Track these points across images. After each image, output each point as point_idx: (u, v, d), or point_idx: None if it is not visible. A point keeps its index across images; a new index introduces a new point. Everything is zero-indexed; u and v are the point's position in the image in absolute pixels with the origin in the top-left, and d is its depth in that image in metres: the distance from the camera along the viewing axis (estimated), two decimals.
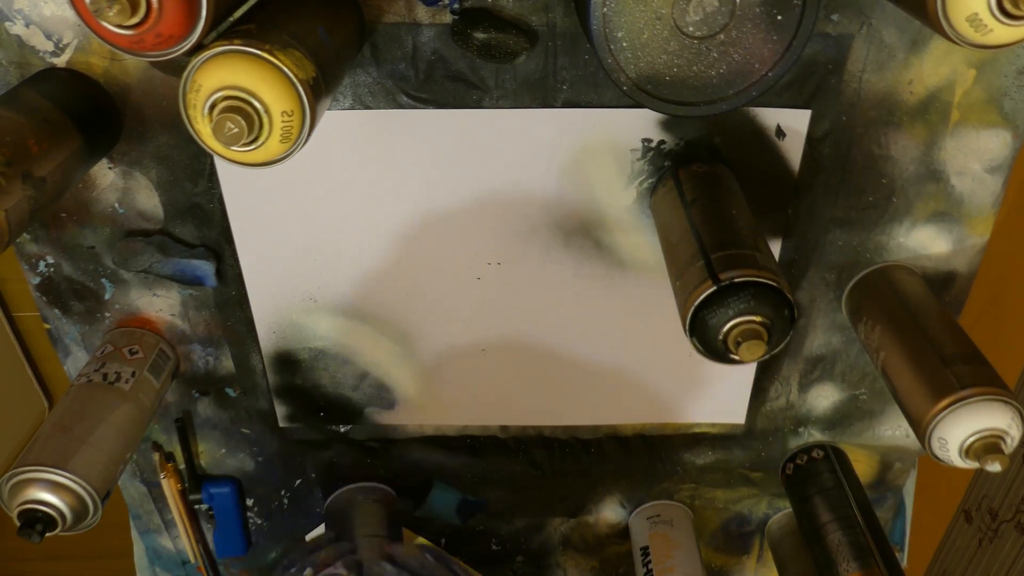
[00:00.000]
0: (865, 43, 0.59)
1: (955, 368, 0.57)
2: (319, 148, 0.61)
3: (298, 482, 0.82)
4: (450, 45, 0.58)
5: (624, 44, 0.48)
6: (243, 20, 0.46)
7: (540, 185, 0.65)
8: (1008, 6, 0.41)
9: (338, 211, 0.66)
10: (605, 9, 0.47)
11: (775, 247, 0.68)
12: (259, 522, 0.84)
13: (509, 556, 0.88)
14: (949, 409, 0.55)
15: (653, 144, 0.63)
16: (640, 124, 0.62)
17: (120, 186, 0.64)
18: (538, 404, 0.78)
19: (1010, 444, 0.56)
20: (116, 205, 0.65)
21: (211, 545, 0.85)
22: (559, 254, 0.68)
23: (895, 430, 0.79)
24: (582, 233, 0.67)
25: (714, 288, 0.52)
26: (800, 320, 0.71)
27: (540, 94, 0.61)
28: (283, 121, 0.44)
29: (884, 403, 0.77)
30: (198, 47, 0.42)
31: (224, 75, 0.43)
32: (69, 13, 0.56)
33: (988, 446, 0.55)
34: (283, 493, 0.82)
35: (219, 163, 0.63)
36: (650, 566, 0.78)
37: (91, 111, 0.58)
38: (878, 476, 0.82)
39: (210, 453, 0.79)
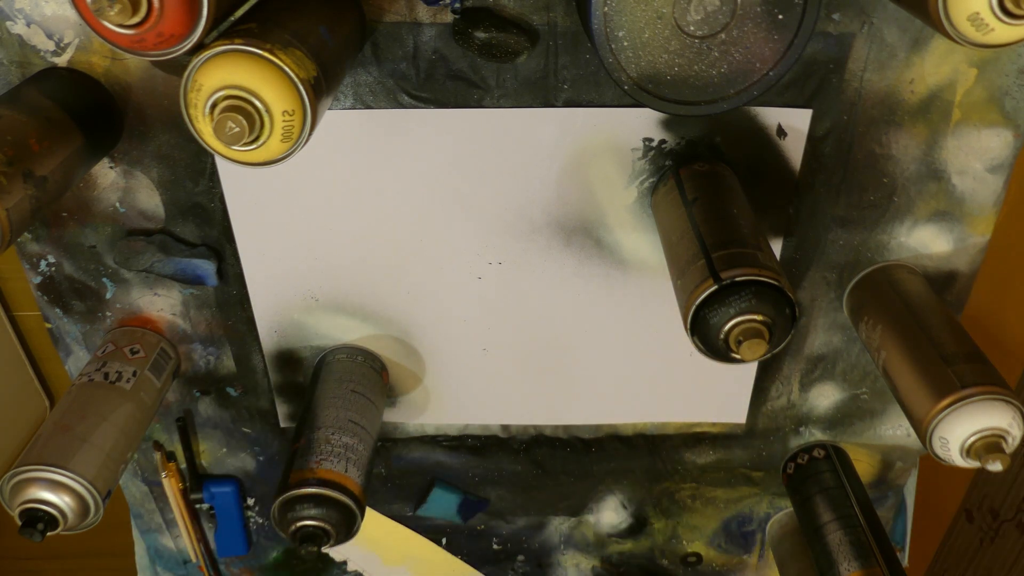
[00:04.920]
0: (866, 42, 0.59)
1: (956, 367, 0.57)
2: (320, 147, 0.61)
3: None
4: (451, 44, 0.58)
5: (625, 43, 0.48)
6: (244, 19, 0.46)
7: (541, 184, 0.65)
8: (1009, 5, 0.41)
9: (339, 210, 0.66)
10: (606, 8, 0.47)
11: (776, 246, 0.68)
12: (260, 521, 0.84)
13: (510, 555, 0.88)
14: (950, 408, 0.55)
15: (654, 143, 0.63)
16: (641, 123, 0.62)
17: (121, 185, 0.64)
18: (539, 403, 0.78)
19: (1011, 443, 0.56)
20: (117, 204, 0.65)
21: (212, 544, 0.85)
22: (560, 253, 0.68)
23: (896, 429, 0.79)
24: (583, 232, 0.67)
25: (715, 287, 0.52)
26: (801, 319, 0.71)
27: (541, 93, 0.61)
28: (284, 120, 0.44)
29: (885, 402, 0.77)
30: (199, 46, 0.42)
31: (225, 74, 0.43)
32: (70, 12, 0.56)
33: (989, 445, 0.55)
34: None
35: (220, 162, 0.63)
36: None
37: (92, 110, 0.58)
38: (879, 475, 0.82)
39: (211, 452, 0.79)
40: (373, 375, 0.72)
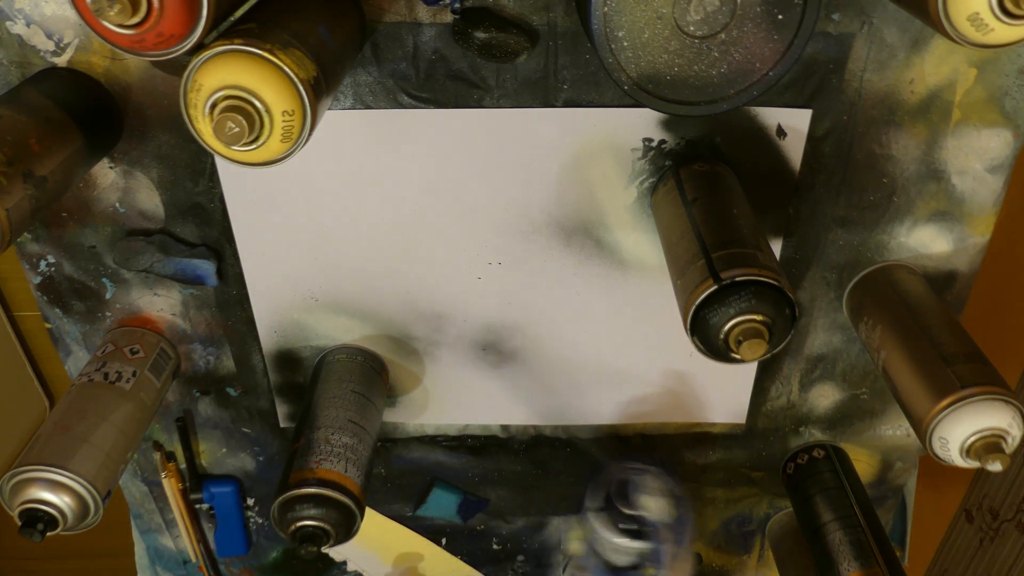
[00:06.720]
0: (866, 42, 0.59)
1: (956, 367, 0.57)
2: (320, 148, 0.61)
3: None
4: (451, 44, 0.58)
5: (625, 43, 0.48)
6: (244, 19, 0.46)
7: (541, 184, 0.65)
8: (1009, 5, 0.41)
9: (339, 210, 0.66)
10: (606, 8, 0.47)
11: (776, 246, 0.68)
12: (260, 521, 0.84)
13: (510, 555, 0.88)
14: (950, 408, 0.55)
15: (654, 143, 0.63)
16: (641, 123, 0.62)
17: (121, 185, 0.64)
18: (539, 403, 0.78)
19: (1011, 443, 0.56)
20: (117, 204, 0.65)
21: (212, 544, 0.85)
22: (560, 253, 0.68)
23: (896, 429, 0.79)
24: (583, 232, 0.67)
25: (715, 287, 0.52)
26: (801, 319, 0.71)
27: (541, 93, 0.61)
28: (284, 120, 0.44)
29: (885, 402, 0.77)
30: (199, 46, 0.42)
31: (225, 74, 0.43)
32: (70, 12, 0.56)
33: (989, 445, 0.55)
34: None
35: (220, 162, 0.63)
36: None
37: (92, 110, 0.58)
38: (879, 475, 0.82)
39: (211, 452, 0.79)
40: (373, 375, 0.72)
